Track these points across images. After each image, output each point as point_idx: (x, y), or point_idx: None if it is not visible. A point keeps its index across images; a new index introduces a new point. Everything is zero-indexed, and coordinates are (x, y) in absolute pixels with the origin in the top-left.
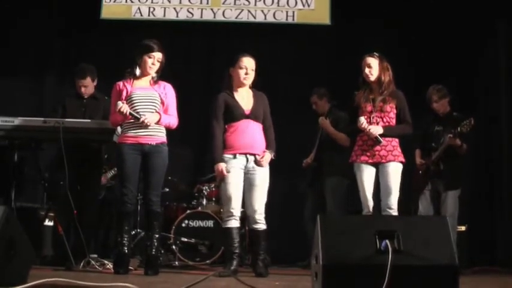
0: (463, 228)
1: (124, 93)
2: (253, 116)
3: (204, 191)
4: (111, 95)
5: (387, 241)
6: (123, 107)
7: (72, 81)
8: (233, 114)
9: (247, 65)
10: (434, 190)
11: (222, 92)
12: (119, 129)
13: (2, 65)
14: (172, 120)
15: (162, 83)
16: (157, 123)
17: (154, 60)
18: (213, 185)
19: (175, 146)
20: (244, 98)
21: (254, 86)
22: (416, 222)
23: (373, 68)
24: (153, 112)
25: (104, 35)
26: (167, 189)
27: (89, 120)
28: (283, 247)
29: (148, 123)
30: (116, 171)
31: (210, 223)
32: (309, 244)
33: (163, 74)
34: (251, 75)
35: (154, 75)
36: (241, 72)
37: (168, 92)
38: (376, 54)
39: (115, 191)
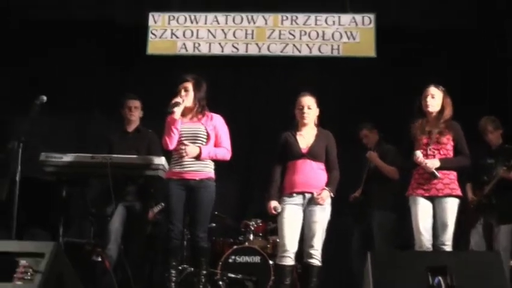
0: None
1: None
2: (310, 154)
3: (251, 226)
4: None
5: (440, 277)
6: (179, 98)
7: (117, 115)
8: (292, 152)
9: (304, 104)
10: (486, 224)
11: (287, 130)
12: (165, 163)
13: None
14: (222, 152)
15: (210, 115)
16: (198, 157)
17: (181, 91)
18: (260, 220)
19: (222, 179)
20: (306, 136)
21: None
22: (468, 257)
23: (436, 99)
24: (196, 145)
25: (150, 69)
26: (214, 224)
27: (135, 156)
28: (328, 283)
29: (185, 154)
30: (163, 206)
31: (257, 259)
32: (355, 280)
33: (208, 107)
34: (310, 114)
35: (190, 105)
36: (299, 111)
37: (217, 123)
38: (441, 87)
39: (161, 227)
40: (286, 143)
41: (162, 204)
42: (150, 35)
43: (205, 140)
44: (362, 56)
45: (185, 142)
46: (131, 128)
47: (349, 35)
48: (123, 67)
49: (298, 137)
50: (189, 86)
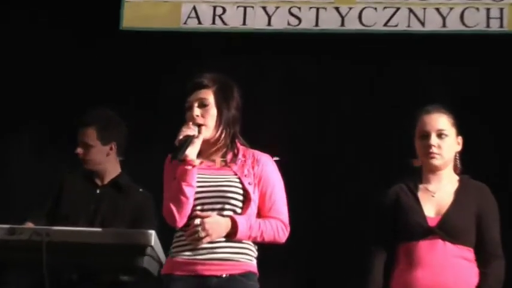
0: None
1: None
2: (445, 229)
3: None
4: (164, 174)
5: None
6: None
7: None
8: (409, 225)
9: (431, 128)
10: None
11: (401, 182)
12: (157, 246)
13: None
14: (272, 228)
15: (250, 154)
16: (228, 238)
17: (193, 108)
18: None
19: (262, 270)
20: (437, 194)
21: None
22: None
23: None
24: (223, 215)
25: (126, 59)
26: None
27: (100, 230)
28: None
29: (204, 234)
30: None
31: None
32: None
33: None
34: (443, 149)
35: (210, 135)
36: (422, 144)
37: (263, 171)
38: None
39: None
40: (398, 206)
41: None
42: None
43: (240, 204)
44: None
45: (199, 211)
46: (105, 178)
47: None
48: (76, 56)
49: (421, 195)
50: (208, 96)
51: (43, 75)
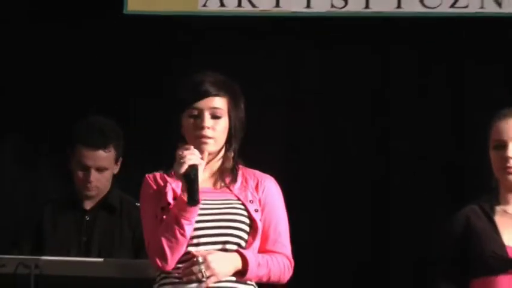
0: None
1: (168, 199)
2: None
3: None
4: (143, 199)
5: None
6: (190, 153)
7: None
8: (482, 257)
9: (509, 138)
10: None
11: (473, 203)
12: None
13: None
14: (279, 264)
15: (251, 175)
16: (238, 277)
17: (204, 118)
18: None
19: None
20: None
21: None
22: None
23: None
24: (227, 250)
25: (132, 50)
26: None
27: (100, 260)
28: None
29: (207, 274)
30: None
31: None
32: None
33: (247, 145)
34: None
35: (214, 150)
36: (498, 156)
37: (268, 196)
38: None
39: None
40: (470, 233)
41: None
42: None
43: (246, 236)
44: None
45: (193, 248)
46: (95, 198)
47: None
48: (71, 43)
49: (498, 220)
50: (222, 106)
51: (33, 69)
